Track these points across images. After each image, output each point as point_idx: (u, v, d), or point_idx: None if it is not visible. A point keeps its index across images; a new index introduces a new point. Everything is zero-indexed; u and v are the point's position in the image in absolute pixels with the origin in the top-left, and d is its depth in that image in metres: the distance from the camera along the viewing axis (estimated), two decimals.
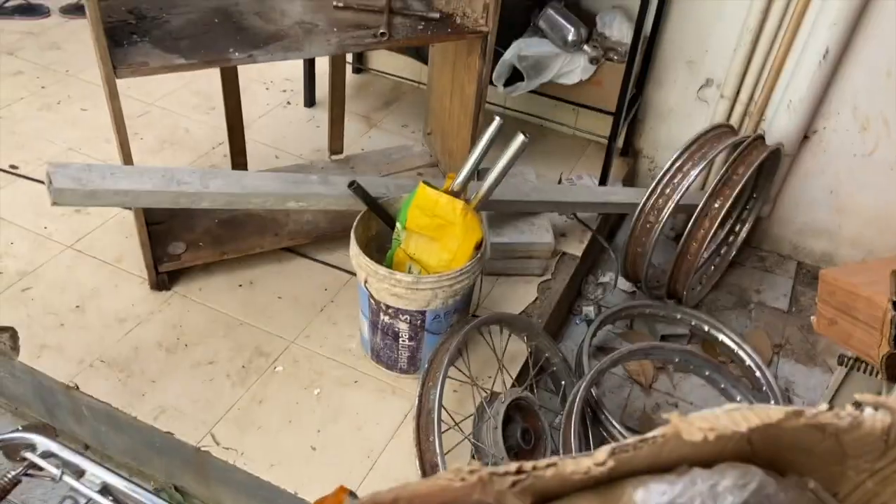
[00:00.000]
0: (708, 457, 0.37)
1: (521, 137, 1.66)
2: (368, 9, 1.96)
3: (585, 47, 2.40)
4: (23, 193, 2.29)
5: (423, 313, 1.70)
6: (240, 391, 1.77)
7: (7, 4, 3.24)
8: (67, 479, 0.87)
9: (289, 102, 2.90)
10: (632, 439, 0.33)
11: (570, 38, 2.37)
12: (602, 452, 0.32)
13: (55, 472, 0.87)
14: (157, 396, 1.73)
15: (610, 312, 2.23)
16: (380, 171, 2.42)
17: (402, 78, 3.06)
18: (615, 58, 2.40)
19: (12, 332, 1.83)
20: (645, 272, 2.21)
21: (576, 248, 2.32)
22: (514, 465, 0.31)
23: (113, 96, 1.60)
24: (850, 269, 1.83)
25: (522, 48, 2.39)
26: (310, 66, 2.79)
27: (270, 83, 2.97)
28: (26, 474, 0.86)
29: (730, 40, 2.37)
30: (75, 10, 3.25)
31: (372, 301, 1.72)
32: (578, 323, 2.33)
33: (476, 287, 1.90)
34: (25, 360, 1.78)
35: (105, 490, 0.80)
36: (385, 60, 3.04)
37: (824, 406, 0.36)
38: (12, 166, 2.39)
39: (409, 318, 1.71)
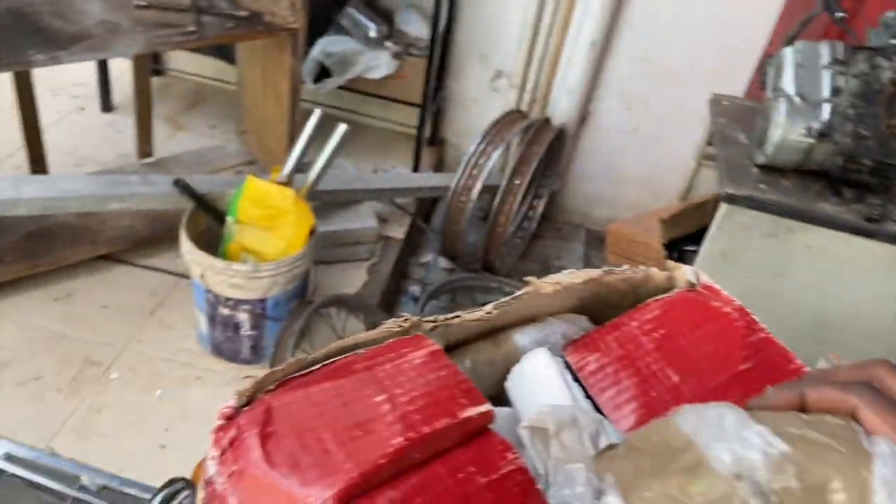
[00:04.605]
0: (558, 311, 0.52)
1: (343, 126, 1.77)
2: (172, 7, 1.95)
3: (387, 43, 2.55)
4: None
5: (263, 301, 1.75)
6: (74, 402, 1.70)
7: None
8: None
9: (82, 108, 2.75)
10: (508, 298, 0.47)
11: (372, 34, 2.52)
12: (489, 306, 0.46)
13: None
14: None
15: (434, 288, 2.41)
16: (195, 172, 2.40)
17: (205, 78, 3.01)
18: (415, 52, 2.58)
19: None
20: (462, 249, 2.42)
21: (398, 232, 2.48)
22: (433, 317, 0.43)
23: None
24: (629, 223, 2.17)
25: (328, 45, 2.50)
26: (103, 69, 2.67)
27: (59, 90, 2.79)
28: None
29: (514, 34, 2.64)
30: None
31: (210, 294, 1.74)
32: (406, 301, 2.49)
33: (310, 275, 1.98)
34: None
35: (9, 459, 0.79)
36: (185, 61, 2.98)
37: (626, 266, 0.52)
38: None
39: (249, 307, 1.75)
